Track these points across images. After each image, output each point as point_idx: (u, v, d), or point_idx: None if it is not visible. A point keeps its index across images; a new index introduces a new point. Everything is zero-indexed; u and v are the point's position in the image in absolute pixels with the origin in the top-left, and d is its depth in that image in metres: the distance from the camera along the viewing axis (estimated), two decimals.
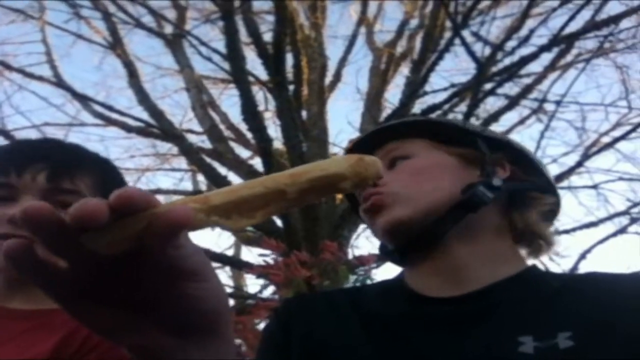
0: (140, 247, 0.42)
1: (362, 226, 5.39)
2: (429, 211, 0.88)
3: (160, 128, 7.04)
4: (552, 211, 0.98)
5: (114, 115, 7.37)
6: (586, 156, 6.57)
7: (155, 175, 8.86)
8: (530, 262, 0.94)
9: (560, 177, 5.88)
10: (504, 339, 0.77)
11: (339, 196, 6.13)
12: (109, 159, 1.16)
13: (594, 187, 6.94)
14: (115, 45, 7.67)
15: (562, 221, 6.03)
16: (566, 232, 5.80)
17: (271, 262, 3.50)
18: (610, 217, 6.24)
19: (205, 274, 0.47)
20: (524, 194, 0.94)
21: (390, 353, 0.83)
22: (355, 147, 1.00)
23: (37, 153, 1.04)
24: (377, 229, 0.92)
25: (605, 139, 6.98)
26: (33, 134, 7.37)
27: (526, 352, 0.74)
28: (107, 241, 0.41)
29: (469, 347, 0.79)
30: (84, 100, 7.50)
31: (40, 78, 7.34)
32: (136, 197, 0.41)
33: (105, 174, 1.10)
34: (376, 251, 1.01)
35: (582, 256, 5.72)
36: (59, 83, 7.55)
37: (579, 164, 6.21)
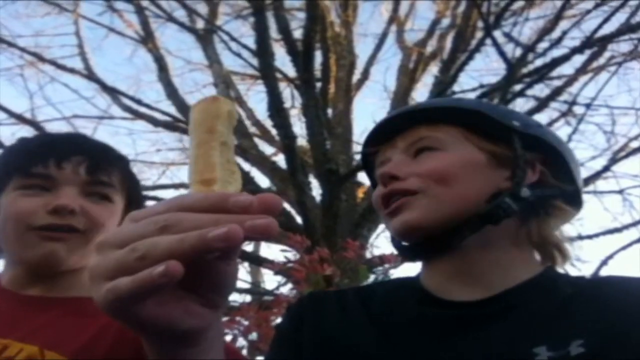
0: None
1: (381, 226, 5.37)
2: (449, 219, 0.85)
3: (187, 123, 7.08)
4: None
5: (142, 109, 7.49)
6: (613, 160, 6.45)
7: (179, 169, 8.93)
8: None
9: (587, 181, 5.77)
10: (519, 350, 0.76)
11: (360, 195, 6.14)
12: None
13: (620, 192, 6.86)
14: (147, 39, 7.77)
15: (586, 226, 5.94)
16: (589, 237, 5.72)
17: (292, 258, 3.51)
18: (634, 223, 6.08)
19: None
20: (548, 201, 0.91)
21: (399, 354, 0.82)
22: (383, 126, 0.97)
23: (75, 146, 1.09)
24: (392, 227, 0.89)
25: (634, 144, 6.80)
26: (63, 126, 7.51)
27: None
28: None
29: (482, 354, 0.78)
30: (113, 93, 7.61)
31: (71, 70, 7.46)
32: None
33: (127, 170, 1.16)
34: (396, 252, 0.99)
35: (604, 262, 5.56)
36: (90, 75, 7.66)
37: (606, 168, 6.12)
